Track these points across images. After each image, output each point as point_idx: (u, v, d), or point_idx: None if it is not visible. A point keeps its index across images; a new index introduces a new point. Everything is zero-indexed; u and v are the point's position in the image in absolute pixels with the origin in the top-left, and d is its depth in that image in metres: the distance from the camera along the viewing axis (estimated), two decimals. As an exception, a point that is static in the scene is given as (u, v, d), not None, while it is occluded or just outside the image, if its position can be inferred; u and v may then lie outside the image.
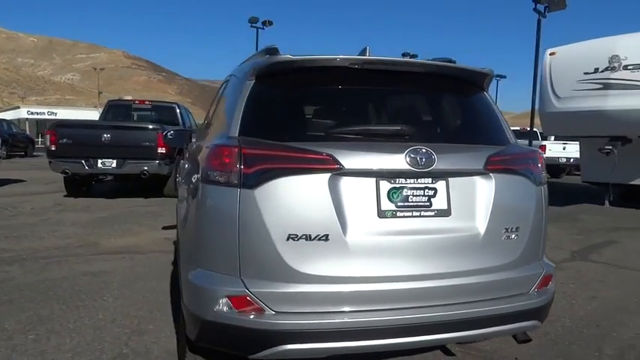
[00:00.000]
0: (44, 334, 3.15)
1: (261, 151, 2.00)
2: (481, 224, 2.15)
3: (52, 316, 3.44)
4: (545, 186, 2.37)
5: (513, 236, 2.21)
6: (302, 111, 2.34)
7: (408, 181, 2.07)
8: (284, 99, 2.29)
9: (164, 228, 6.73)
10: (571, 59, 8.51)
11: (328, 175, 1.98)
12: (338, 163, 1.98)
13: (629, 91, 7.95)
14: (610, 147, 8.17)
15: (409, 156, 2.05)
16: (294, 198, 1.97)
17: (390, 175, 2.05)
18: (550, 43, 10.20)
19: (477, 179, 2.18)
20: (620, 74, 8.04)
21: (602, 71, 8.25)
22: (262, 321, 1.93)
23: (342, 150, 2.01)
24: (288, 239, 1.95)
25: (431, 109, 2.44)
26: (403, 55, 39.45)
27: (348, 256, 1.98)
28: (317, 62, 2.21)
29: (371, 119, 2.43)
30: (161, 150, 8.94)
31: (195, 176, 2.25)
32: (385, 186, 2.05)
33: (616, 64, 8.05)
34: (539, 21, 17.21)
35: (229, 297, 1.97)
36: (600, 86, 8.27)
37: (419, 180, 2.09)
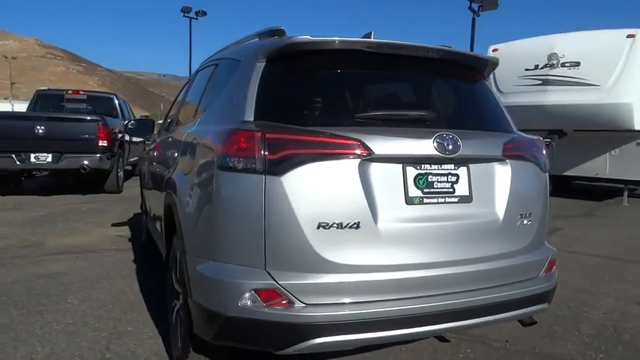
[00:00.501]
0: (9, 342, 2.85)
1: (287, 136, 1.89)
2: (500, 210, 2.17)
3: (13, 324, 3.12)
4: (548, 173, 2.44)
5: (526, 222, 2.25)
6: (320, 95, 2.23)
7: (433, 167, 2.05)
8: (300, 82, 2.18)
9: (114, 225, 6.35)
10: (513, 56, 8.90)
11: (358, 160, 1.91)
12: (368, 148, 1.91)
13: (566, 87, 8.46)
14: (549, 140, 8.66)
15: (436, 142, 2.02)
16: (324, 185, 1.88)
17: (417, 161, 2.01)
18: (484, 42, 10.64)
19: (495, 165, 2.20)
20: (558, 71, 8.54)
21: (541, 68, 8.72)
22: (292, 314, 1.83)
23: (371, 135, 1.95)
24: (318, 228, 1.85)
25: (447, 96, 2.43)
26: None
27: (378, 244, 1.92)
28: (335, 44, 2.12)
29: (391, 104, 2.38)
30: (102, 143, 8.39)
31: (205, 164, 2.09)
32: (412, 172, 2.01)
33: (554, 62, 8.54)
34: (473, 19, 17.93)
35: (256, 290, 1.85)
36: (540, 82, 8.74)
37: (442, 166, 2.06)
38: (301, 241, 1.85)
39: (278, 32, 2.35)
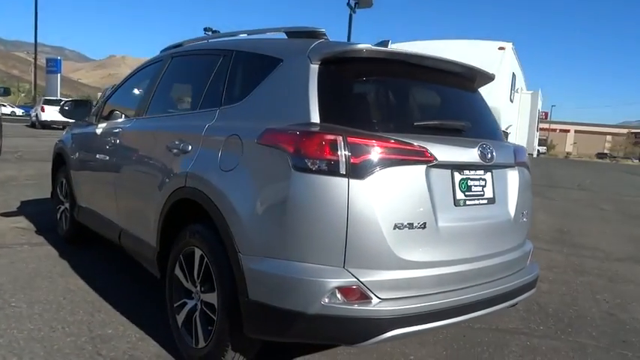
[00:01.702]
0: (-27, 356, 2.47)
1: (366, 141, 1.97)
2: (512, 209, 2.51)
3: (-40, 334, 2.68)
4: None
5: (525, 219, 2.63)
6: (375, 101, 2.32)
7: (470, 172, 2.30)
8: (355, 87, 2.25)
9: (4, 215, 5.57)
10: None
11: (425, 166, 2.08)
12: (432, 155, 2.09)
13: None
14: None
15: (480, 150, 2.29)
16: (398, 188, 2.01)
17: (460, 167, 2.25)
18: (362, 39, 11.29)
19: (508, 171, 2.53)
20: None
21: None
22: (370, 309, 1.94)
23: (433, 143, 2.12)
24: (394, 228, 1.99)
25: (471, 107, 2.68)
26: (205, 30, 38.36)
27: (438, 242, 2.12)
28: (391, 55, 2.26)
29: (438, 113, 2.55)
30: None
31: (269, 163, 2.07)
32: (457, 177, 2.24)
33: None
34: (350, 16, 18.82)
35: (339, 288, 1.92)
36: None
37: (476, 172, 2.33)
38: (380, 240, 1.97)
39: (318, 34, 2.40)
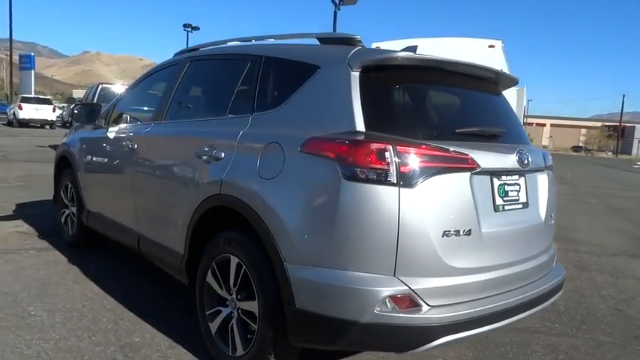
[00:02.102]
0: (5, 369, 2.42)
1: (415, 149, 1.99)
2: (542, 213, 2.56)
3: (-15, 346, 2.62)
4: None
5: (552, 222, 2.68)
6: (416, 108, 2.33)
7: (507, 178, 2.34)
8: (396, 94, 2.25)
9: (1, 219, 5.44)
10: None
11: (469, 173, 2.11)
12: (475, 162, 2.12)
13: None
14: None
15: (517, 156, 2.33)
16: (446, 196, 2.03)
17: (498, 172, 2.29)
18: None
19: (538, 175, 2.58)
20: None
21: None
22: (421, 317, 1.96)
23: (475, 150, 2.15)
24: (443, 236, 2.01)
25: (500, 110, 2.70)
26: (185, 26, 37.57)
27: (482, 248, 2.15)
28: (430, 62, 2.27)
29: (475, 119, 2.55)
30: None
31: (316, 172, 2.07)
32: (496, 183, 2.27)
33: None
34: (335, 12, 18.81)
35: (391, 296, 1.94)
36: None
37: (512, 177, 2.37)
38: (429, 248, 1.99)
39: (353, 41, 2.40)
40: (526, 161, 2.37)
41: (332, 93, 2.21)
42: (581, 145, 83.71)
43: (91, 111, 3.91)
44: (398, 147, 1.96)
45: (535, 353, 3.05)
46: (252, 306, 2.33)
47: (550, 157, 2.80)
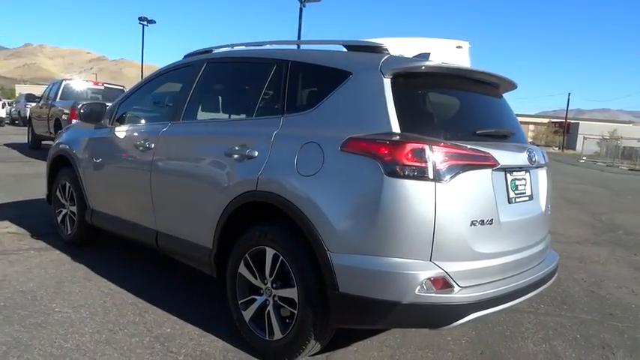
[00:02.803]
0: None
1: (447, 149, 2.25)
2: (543, 204, 2.88)
3: (22, 340, 2.70)
4: None
5: (549, 212, 3.02)
6: (441, 111, 2.59)
7: (517, 174, 2.64)
8: (423, 99, 2.51)
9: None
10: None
11: (490, 170, 2.40)
12: (496, 160, 2.41)
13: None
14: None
15: (527, 154, 2.64)
16: (472, 190, 2.31)
17: (512, 169, 2.58)
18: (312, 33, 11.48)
19: (539, 171, 2.90)
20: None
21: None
22: (453, 296, 2.23)
23: (493, 149, 2.44)
24: (471, 225, 2.29)
25: (505, 112, 2.98)
26: (140, 20, 36.57)
27: (500, 235, 2.44)
28: (452, 70, 2.55)
29: (490, 121, 2.82)
30: None
31: (357, 169, 2.29)
32: (509, 178, 2.57)
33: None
34: (300, 9, 18.98)
35: (431, 279, 2.19)
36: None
37: (520, 172, 2.68)
38: (459, 236, 2.26)
39: (380, 49, 2.64)
40: (534, 159, 2.69)
41: (366, 97, 2.43)
42: (530, 140, 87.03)
43: (97, 110, 3.95)
44: (433, 147, 2.21)
45: (528, 330, 3.39)
46: (291, 293, 2.53)
47: (547, 155, 3.14)
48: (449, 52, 9.96)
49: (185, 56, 3.72)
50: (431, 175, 2.19)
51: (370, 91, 2.42)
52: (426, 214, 2.19)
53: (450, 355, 2.93)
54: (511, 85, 3.03)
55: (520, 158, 2.65)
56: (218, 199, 2.86)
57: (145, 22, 39.78)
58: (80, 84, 12.89)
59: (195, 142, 3.21)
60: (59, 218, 4.66)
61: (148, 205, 3.47)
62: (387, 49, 2.64)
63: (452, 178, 2.23)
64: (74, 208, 4.43)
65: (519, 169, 2.67)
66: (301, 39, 18.66)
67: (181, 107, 3.38)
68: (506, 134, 2.74)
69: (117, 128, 3.85)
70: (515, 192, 2.61)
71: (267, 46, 3.28)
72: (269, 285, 2.66)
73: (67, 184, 4.48)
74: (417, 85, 2.49)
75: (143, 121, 3.74)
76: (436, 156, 2.21)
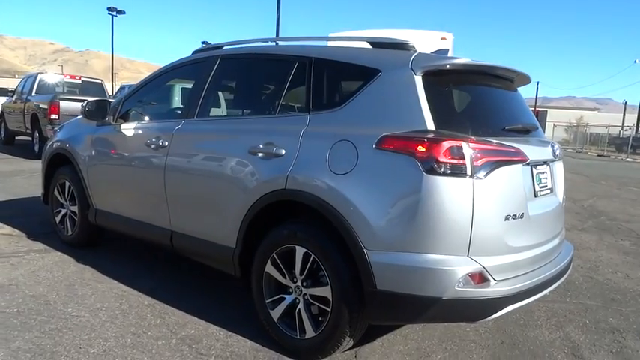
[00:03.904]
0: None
1: (482, 146, 2.28)
2: (560, 197, 2.96)
3: (46, 347, 2.64)
4: None
5: (564, 204, 3.10)
6: (470, 107, 2.61)
7: (540, 168, 2.71)
8: (455, 95, 2.53)
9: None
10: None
11: (521, 165, 2.45)
12: (525, 156, 2.46)
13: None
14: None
15: (551, 149, 2.70)
16: (506, 185, 2.36)
17: (536, 163, 2.64)
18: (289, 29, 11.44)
19: (557, 164, 2.97)
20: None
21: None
22: (491, 290, 2.28)
23: (522, 145, 2.50)
24: (505, 219, 2.33)
25: (524, 107, 3.04)
26: (109, 10, 35.74)
27: (530, 228, 2.50)
28: (479, 67, 2.58)
29: (514, 117, 2.86)
30: None
31: (394, 167, 2.30)
32: (534, 172, 2.63)
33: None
34: (278, 1, 18.77)
35: (469, 274, 2.23)
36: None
37: (543, 166, 2.74)
38: (495, 230, 2.30)
39: (406, 46, 2.65)
40: (557, 153, 2.76)
41: (398, 95, 2.44)
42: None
43: (102, 107, 3.85)
44: (470, 144, 2.25)
45: (540, 318, 3.50)
46: (324, 291, 2.54)
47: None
48: (434, 44, 10.09)
49: (194, 52, 3.65)
50: (469, 172, 2.22)
51: (402, 89, 2.43)
52: (464, 211, 2.23)
53: (474, 346, 3.00)
54: (526, 79, 3.08)
55: (545, 153, 2.71)
56: (242, 198, 2.84)
57: (115, 13, 38.79)
58: (56, 77, 12.51)
59: (214, 140, 3.15)
60: (58, 219, 4.54)
61: (161, 205, 3.41)
62: (413, 46, 2.65)
63: (487, 174, 2.27)
64: (75, 208, 4.32)
65: (543, 163, 2.73)
66: (281, 34, 18.49)
67: (195, 104, 3.32)
68: (529, 129, 2.80)
69: (123, 125, 3.76)
70: (539, 185, 2.67)
71: (281, 43, 3.26)
72: (299, 283, 2.66)
73: (67, 184, 4.36)
74: (446, 82, 2.51)
75: (152, 119, 3.66)
76: (473, 153, 2.25)
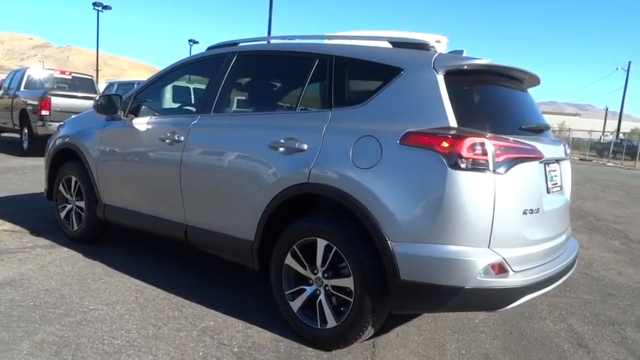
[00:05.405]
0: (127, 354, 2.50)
1: (503, 143, 2.39)
2: (567, 194, 3.08)
3: (61, 341, 2.67)
4: None
5: (570, 201, 3.23)
6: (488, 106, 2.71)
7: (552, 166, 2.82)
8: (474, 94, 2.63)
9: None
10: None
11: (537, 162, 2.56)
12: (541, 153, 2.57)
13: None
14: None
15: (563, 147, 2.81)
16: (524, 181, 2.47)
17: (549, 161, 2.75)
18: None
19: (565, 162, 3.09)
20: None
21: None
22: (510, 280, 2.38)
23: (537, 143, 2.61)
24: (523, 213, 2.44)
25: (535, 107, 3.15)
26: (94, 5, 35.26)
27: (543, 223, 2.61)
28: (498, 68, 2.69)
29: (528, 116, 2.97)
30: None
31: (418, 162, 2.39)
32: (547, 169, 2.74)
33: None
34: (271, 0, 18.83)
35: (490, 265, 2.33)
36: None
37: (554, 164, 2.86)
38: (514, 223, 2.41)
39: (427, 46, 2.75)
40: (567, 151, 2.88)
41: (421, 93, 2.53)
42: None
43: (114, 102, 3.86)
44: (492, 140, 2.35)
45: (544, 311, 3.62)
46: (346, 282, 2.61)
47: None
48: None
49: (209, 48, 3.70)
50: (491, 168, 2.32)
51: (424, 88, 2.52)
52: (486, 204, 2.33)
53: (484, 337, 3.10)
54: (536, 81, 3.19)
55: (557, 151, 2.83)
56: (262, 192, 2.89)
57: (100, 8, 38.33)
58: (45, 73, 12.35)
59: (233, 135, 3.18)
60: (63, 214, 4.53)
61: (175, 199, 3.45)
62: (433, 47, 2.75)
63: (507, 170, 2.38)
64: (81, 204, 4.32)
65: (555, 161, 2.85)
66: (272, 33, 18.51)
67: (211, 100, 3.36)
68: (542, 129, 2.92)
69: (135, 120, 3.79)
70: (551, 182, 2.79)
71: (297, 41, 3.33)
72: (320, 275, 2.73)
73: (74, 179, 4.36)
74: (466, 82, 2.61)
75: (165, 114, 3.69)
76: (494, 149, 2.35)
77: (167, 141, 3.47)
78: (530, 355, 2.91)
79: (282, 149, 2.84)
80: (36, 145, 10.09)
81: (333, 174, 2.61)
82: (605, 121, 49.33)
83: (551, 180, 2.79)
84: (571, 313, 3.64)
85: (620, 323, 3.52)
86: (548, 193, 2.73)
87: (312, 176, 2.68)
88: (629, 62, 39.95)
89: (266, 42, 3.45)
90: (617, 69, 41.77)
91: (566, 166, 3.13)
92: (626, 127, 46.47)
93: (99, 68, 45.40)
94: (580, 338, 3.21)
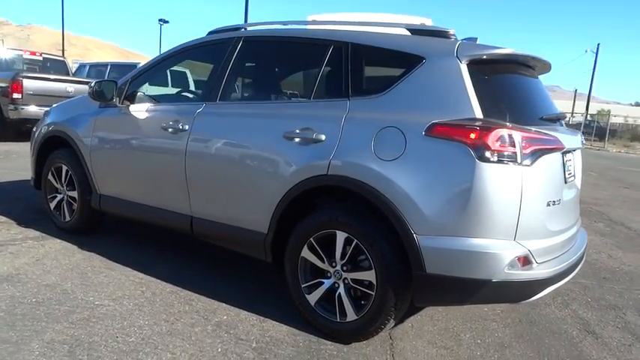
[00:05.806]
0: (141, 348, 2.42)
1: (529, 134, 2.36)
2: (579, 184, 3.11)
3: (73, 340, 2.57)
4: None
5: (580, 191, 3.26)
6: (510, 96, 2.67)
7: (568, 155, 2.83)
8: (495, 84, 2.60)
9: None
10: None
11: (559, 153, 2.56)
12: (563, 144, 2.57)
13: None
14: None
15: (580, 137, 2.81)
16: (548, 172, 2.46)
17: (567, 151, 2.76)
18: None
19: (577, 152, 3.11)
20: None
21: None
22: (535, 272, 2.39)
23: (558, 133, 2.60)
24: (547, 205, 2.44)
25: (548, 96, 3.12)
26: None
27: (563, 213, 2.63)
28: (519, 57, 2.66)
29: (545, 106, 2.95)
30: None
31: (445, 154, 2.35)
32: (564, 159, 2.75)
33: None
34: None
35: (518, 257, 2.33)
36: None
37: (569, 154, 2.86)
38: (539, 215, 2.41)
39: (447, 34, 2.69)
40: (584, 141, 2.89)
41: (444, 83, 2.48)
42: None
43: (106, 88, 3.68)
44: (519, 132, 2.33)
45: (547, 296, 3.67)
46: (367, 275, 2.58)
47: None
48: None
49: (209, 33, 3.55)
50: (518, 160, 2.31)
51: (448, 77, 2.48)
52: (513, 197, 2.32)
53: (496, 325, 3.14)
54: (548, 67, 3.18)
55: (575, 141, 2.84)
56: (277, 183, 2.82)
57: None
58: (12, 53, 11.80)
59: (244, 124, 3.07)
60: (53, 204, 4.35)
61: (179, 190, 3.33)
62: (454, 34, 2.70)
63: (534, 161, 2.37)
64: (74, 194, 4.16)
65: (571, 151, 2.86)
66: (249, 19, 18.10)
67: (217, 87, 3.24)
68: (560, 118, 2.92)
69: (132, 107, 3.63)
70: (568, 173, 2.80)
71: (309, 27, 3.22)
72: (338, 268, 2.69)
73: (64, 168, 4.18)
74: (489, 71, 2.58)
75: (164, 101, 3.55)
76: (522, 141, 2.33)
77: (170, 129, 3.34)
78: (542, 342, 2.96)
79: (297, 139, 2.77)
80: (6, 130, 9.71)
81: (355, 166, 2.56)
82: (574, 102, 50.49)
83: (568, 170, 2.80)
84: (573, 299, 3.71)
85: (620, 308, 3.62)
86: (565, 182, 2.74)
87: (331, 168, 2.62)
88: (598, 44, 40.78)
89: (264, 27, 3.32)
90: (586, 51, 42.64)
91: (578, 155, 3.15)
92: (593, 108, 47.68)
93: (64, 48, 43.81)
94: (586, 324, 3.28)
